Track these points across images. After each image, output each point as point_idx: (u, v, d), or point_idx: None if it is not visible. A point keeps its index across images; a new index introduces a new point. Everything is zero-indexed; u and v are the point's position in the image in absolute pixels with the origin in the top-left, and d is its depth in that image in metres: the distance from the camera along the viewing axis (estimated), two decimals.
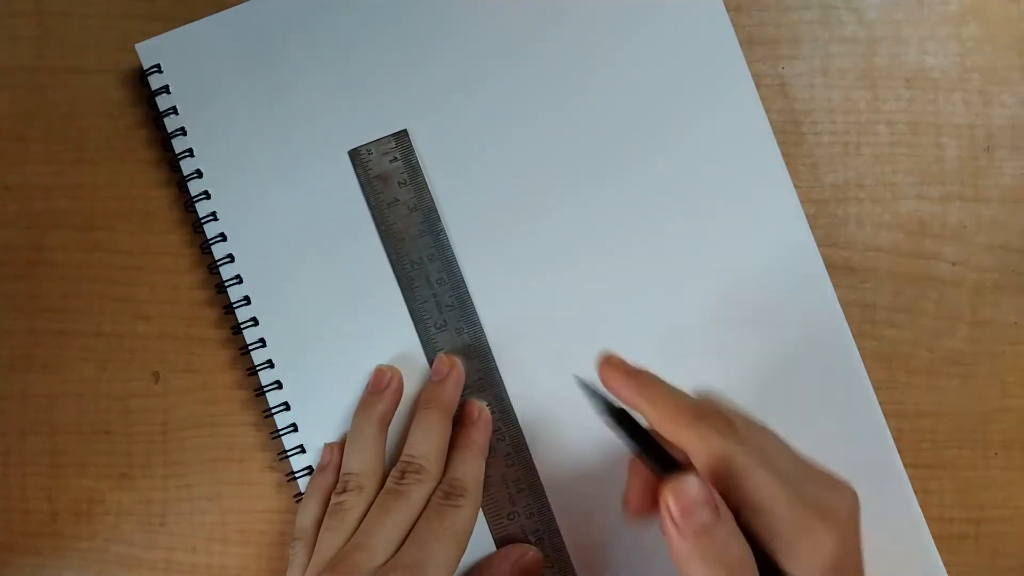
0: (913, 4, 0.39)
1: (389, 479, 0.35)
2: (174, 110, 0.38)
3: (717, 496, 0.27)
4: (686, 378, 0.31)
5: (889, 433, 0.38)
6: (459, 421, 0.37)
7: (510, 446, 0.38)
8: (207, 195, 0.38)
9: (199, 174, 0.38)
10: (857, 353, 0.38)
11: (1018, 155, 0.39)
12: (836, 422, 0.38)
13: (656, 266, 0.38)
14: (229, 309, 0.38)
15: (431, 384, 0.37)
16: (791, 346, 0.38)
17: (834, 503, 0.28)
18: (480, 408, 0.37)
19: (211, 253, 0.38)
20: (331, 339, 0.38)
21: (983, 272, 0.39)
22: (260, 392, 0.38)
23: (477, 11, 0.39)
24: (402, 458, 0.36)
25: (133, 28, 0.39)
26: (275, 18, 0.38)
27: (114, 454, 0.39)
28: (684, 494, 0.26)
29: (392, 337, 0.38)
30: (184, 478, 0.39)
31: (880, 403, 0.38)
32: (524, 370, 0.38)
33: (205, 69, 0.38)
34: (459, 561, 0.33)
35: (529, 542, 0.37)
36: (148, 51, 0.38)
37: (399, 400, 0.38)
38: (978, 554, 0.39)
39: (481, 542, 0.37)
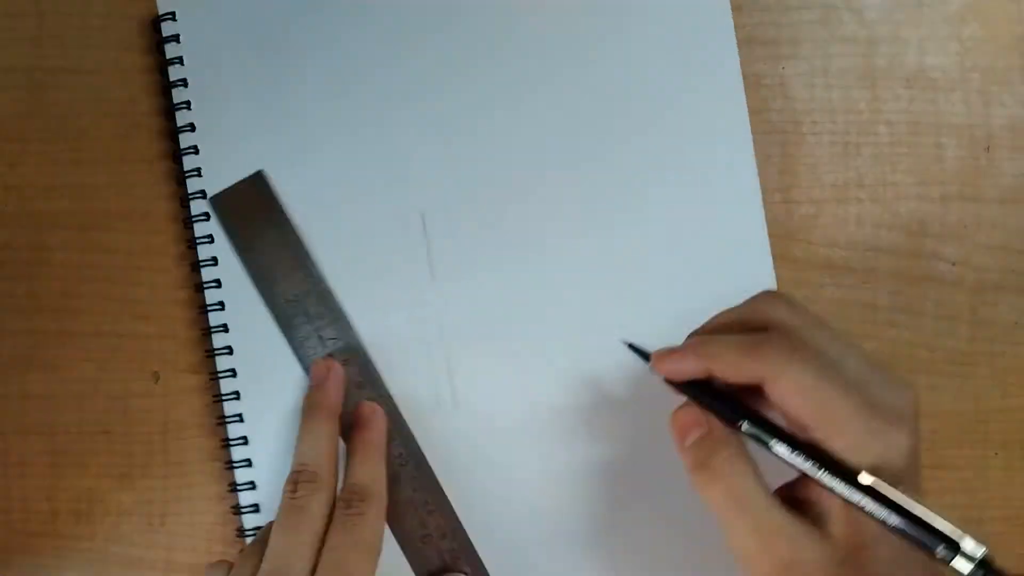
0: (913, 4, 0.39)
1: (283, 493, 0.33)
2: (180, 60, 0.38)
3: (713, 420, 0.28)
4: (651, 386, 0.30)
5: None
6: (353, 424, 0.36)
7: (414, 468, 0.37)
8: (206, 195, 0.38)
9: (199, 174, 0.38)
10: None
11: (1018, 155, 0.39)
12: None
13: (582, 279, 0.38)
14: (203, 311, 0.38)
15: (311, 390, 0.36)
16: None
17: (899, 402, 0.27)
18: (373, 408, 0.36)
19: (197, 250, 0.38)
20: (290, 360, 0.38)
21: (983, 272, 0.39)
22: (218, 400, 0.38)
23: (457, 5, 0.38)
24: (292, 469, 0.34)
25: (133, 28, 0.39)
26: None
27: (114, 454, 0.39)
28: (677, 419, 0.29)
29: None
30: (184, 478, 0.39)
31: None
32: (418, 392, 0.38)
33: (217, 28, 0.38)
34: (376, 566, 0.32)
35: (445, 561, 0.37)
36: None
37: (342, 390, 0.37)
38: None
39: (400, 570, 0.37)
